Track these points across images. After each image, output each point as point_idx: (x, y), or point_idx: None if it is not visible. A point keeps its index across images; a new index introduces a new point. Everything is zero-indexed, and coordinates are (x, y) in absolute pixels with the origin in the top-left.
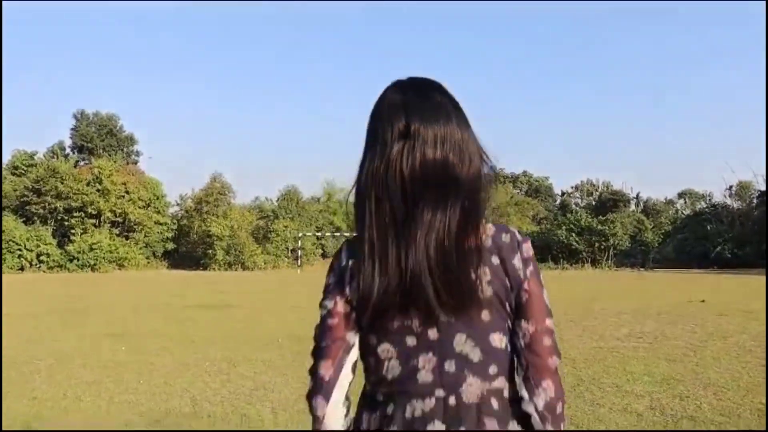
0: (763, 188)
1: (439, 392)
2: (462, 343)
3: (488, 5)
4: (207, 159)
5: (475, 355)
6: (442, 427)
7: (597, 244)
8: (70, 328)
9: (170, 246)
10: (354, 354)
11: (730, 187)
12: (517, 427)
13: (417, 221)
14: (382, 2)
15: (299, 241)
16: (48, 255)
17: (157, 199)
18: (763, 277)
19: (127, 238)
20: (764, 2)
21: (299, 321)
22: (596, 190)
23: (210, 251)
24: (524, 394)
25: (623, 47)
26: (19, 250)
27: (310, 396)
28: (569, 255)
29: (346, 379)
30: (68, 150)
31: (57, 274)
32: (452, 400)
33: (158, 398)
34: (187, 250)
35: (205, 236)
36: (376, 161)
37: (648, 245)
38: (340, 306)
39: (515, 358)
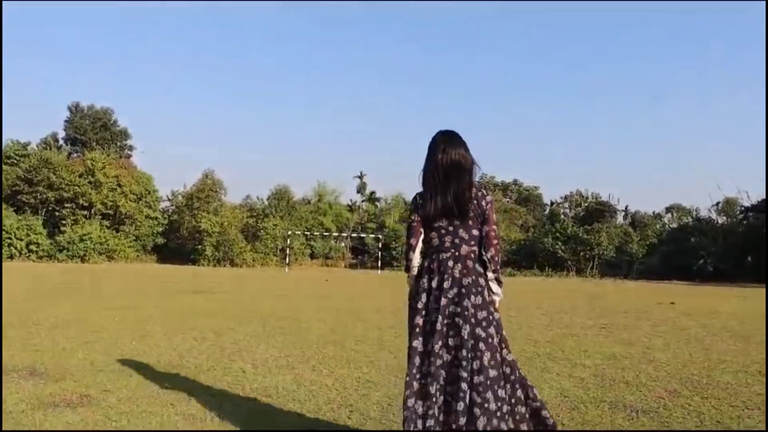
0: (748, 204)
1: (452, 250)
2: (461, 231)
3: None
4: (200, 156)
5: (466, 236)
6: (452, 263)
7: (582, 253)
8: (67, 301)
9: (160, 240)
10: (422, 236)
11: (717, 203)
12: (480, 268)
13: (447, 185)
14: (382, 4)
15: (288, 240)
16: (38, 245)
17: (149, 193)
18: (741, 289)
19: (117, 230)
20: (764, 2)
21: (282, 305)
22: (585, 201)
23: (199, 247)
24: (482, 252)
25: (616, 63)
26: (9, 239)
27: (407, 252)
28: (555, 263)
29: (419, 246)
30: (61, 142)
31: (46, 263)
32: (457, 253)
33: (148, 354)
34: (177, 245)
35: (195, 232)
36: (432, 161)
37: (633, 256)
38: (416, 218)
39: (481, 251)
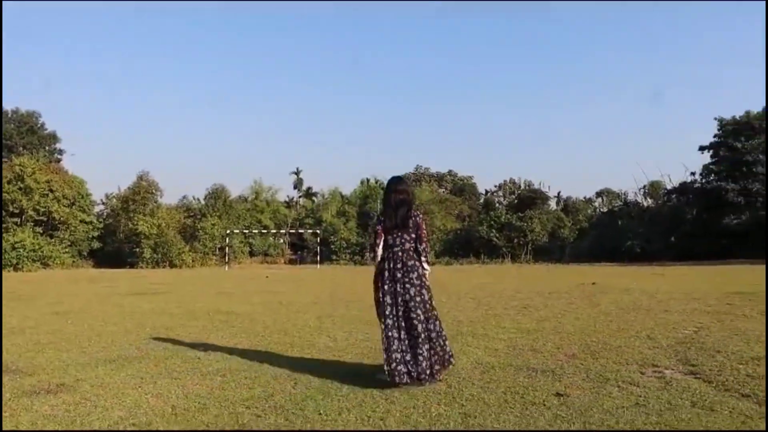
0: (670, 187)
1: (400, 246)
2: (405, 236)
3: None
4: (133, 158)
5: (408, 239)
6: (401, 254)
7: (516, 240)
8: (13, 309)
9: (96, 245)
10: (383, 238)
11: (644, 186)
12: (416, 256)
13: (396, 211)
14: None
15: (227, 239)
16: None
17: (82, 197)
18: (660, 267)
19: (51, 236)
20: (764, 2)
21: (226, 301)
22: (518, 189)
23: (137, 249)
24: (417, 247)
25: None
26: None
27: (373, 247)
28: (490, 250)
29: (381, 244)
30: None
31: None
32: (403, 248)
33: (109, 349)
34: (114, 249)
35: (132, 235)
36: (387, 197)
37: (564, 241)
38: (380, 228)
39: (417, 246)
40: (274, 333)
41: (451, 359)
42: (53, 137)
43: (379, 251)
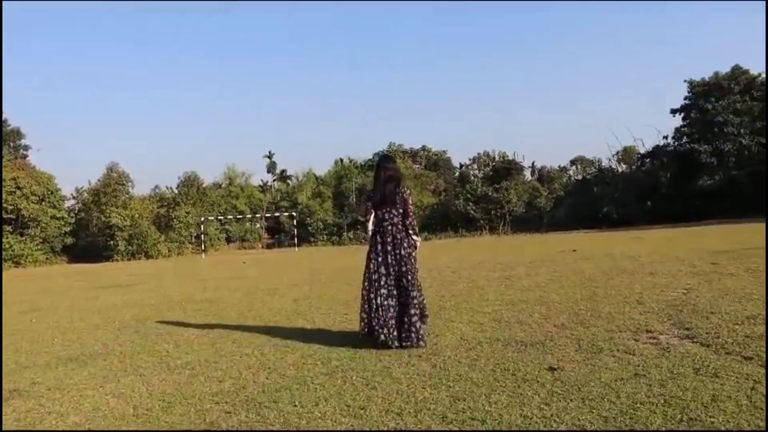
0: (643, 151)
1: (389, 222)
2: (393, 211)
3: None
4: (102, 151)
5: (396, 213)
6: (390, 228)
7: (493, 212)
8: None
9: (69, 240)
10: (373, 213)
11: (617, 152)
12: (404, 230)
13: (385, 187)
14: None
15: (202, 227)
16: None
17: (51, 193)
18: (638, 231)
19: (22, 234)
20: (764, 2)
21: (200, 290)
22: (492, 161)
23: (111, 242)
24: (404, 221)
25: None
26: None
27: (365, 224)
28: (468, 223)
29: (372, 219)
30: None
31: None
32: (392, 222)
33: (71, 347)
34: (88, 243)
35: (106, 228)
36: (377, 174)
37: (541, 210)
38: (369, 204)
39: (404, 220)
40: (249, 319)
41: (427, 316)
42: (17, 133)
43: (370, 226)
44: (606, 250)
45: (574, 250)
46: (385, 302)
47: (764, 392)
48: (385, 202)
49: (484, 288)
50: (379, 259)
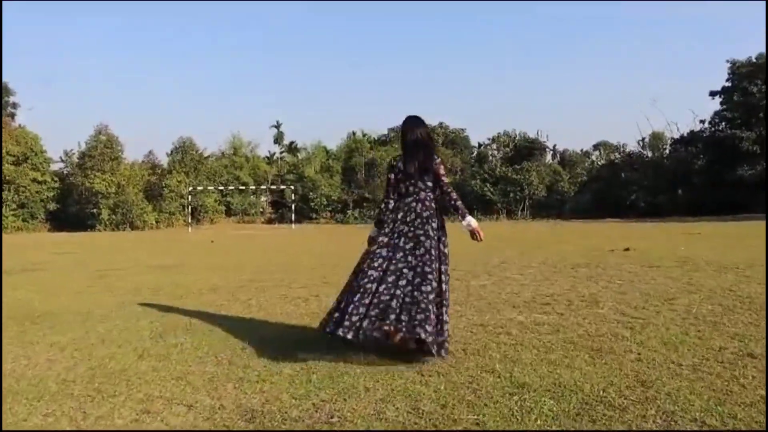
0: (677, 136)
1: (413, 196)
2: (420, 183)
3: None
4: (99, 112)
5: (423, 187)
6: (414, 204)
7: (512, 195)
8: None
9: (53, 206)
10: (394, 188)
11: (643, 138)
12: (434, 205)
13: (415, 157)
14: None
15: (194, 197)
16: None
17: (36, 154)
18: (680, 225)
19: None
20: (764, 2)
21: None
22: (513, 141)
23: (95, 211)
24: (448, 197)
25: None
26: None
27: (382, 205)
28: (484, 206)
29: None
30: None
31: None
32: (417, 199)
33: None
34: (75, 210)
35: (90, 194)
36: (403, 138)
37: (564, 195)
38: (393, 179)
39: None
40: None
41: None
42: (6, 89)
43: (391, 204)
44: (670, 251)
45: (627, 249)
46: (369, 286)
47: None
48: (412, 175)
49: (505, 332)
50: (386, 239)
